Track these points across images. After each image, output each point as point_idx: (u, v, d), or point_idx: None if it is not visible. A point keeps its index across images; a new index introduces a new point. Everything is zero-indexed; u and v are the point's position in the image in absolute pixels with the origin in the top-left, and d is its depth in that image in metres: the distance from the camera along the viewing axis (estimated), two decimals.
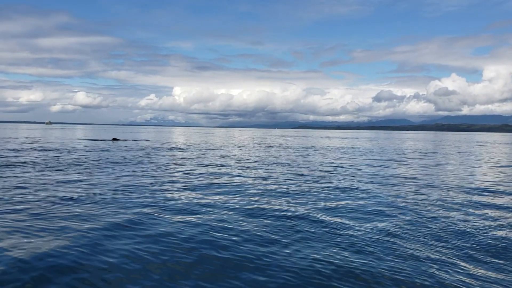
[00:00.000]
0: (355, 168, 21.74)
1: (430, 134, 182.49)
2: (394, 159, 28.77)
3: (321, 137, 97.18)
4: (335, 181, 16.22)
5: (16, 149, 29.80)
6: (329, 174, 18.71)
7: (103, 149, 32.95)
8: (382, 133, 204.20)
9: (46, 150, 29.35)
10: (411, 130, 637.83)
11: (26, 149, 30.54)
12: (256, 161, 24.69)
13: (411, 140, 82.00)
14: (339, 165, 23.11)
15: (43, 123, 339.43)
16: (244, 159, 25.90)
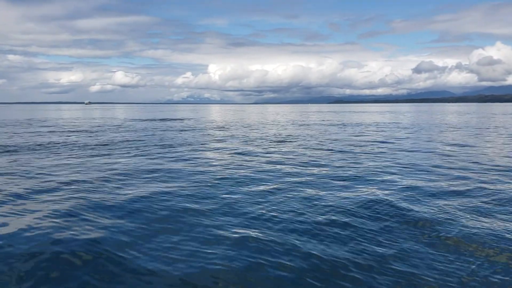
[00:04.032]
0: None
1: (472, 106, 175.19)
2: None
3: (357, 112, 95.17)
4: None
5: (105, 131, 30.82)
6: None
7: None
8: (422, 106, 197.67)
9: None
10: (452, 102, 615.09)
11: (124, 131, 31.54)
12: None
13: (459, 113, 78.81)
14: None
15: (83, 103, 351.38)
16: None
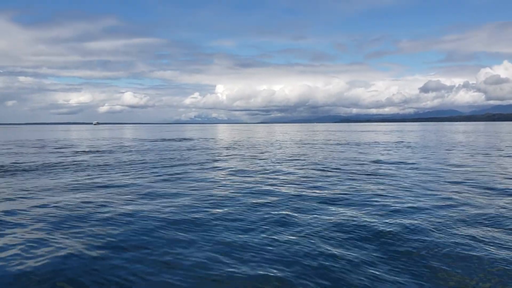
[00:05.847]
0: None
1: (480, 125, 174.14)
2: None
3: (365, 131, 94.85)
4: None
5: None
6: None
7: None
8: (429, 125, 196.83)
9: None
10: (460, 121, 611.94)
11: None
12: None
13: (466, 132, 78.29)
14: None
15: (92, 123, 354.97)
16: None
